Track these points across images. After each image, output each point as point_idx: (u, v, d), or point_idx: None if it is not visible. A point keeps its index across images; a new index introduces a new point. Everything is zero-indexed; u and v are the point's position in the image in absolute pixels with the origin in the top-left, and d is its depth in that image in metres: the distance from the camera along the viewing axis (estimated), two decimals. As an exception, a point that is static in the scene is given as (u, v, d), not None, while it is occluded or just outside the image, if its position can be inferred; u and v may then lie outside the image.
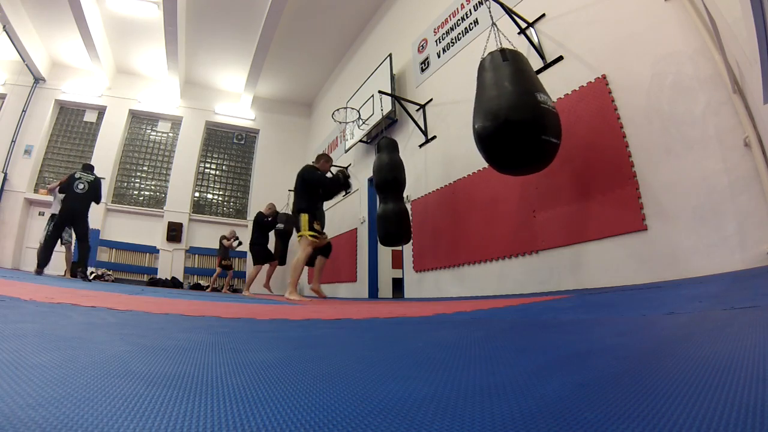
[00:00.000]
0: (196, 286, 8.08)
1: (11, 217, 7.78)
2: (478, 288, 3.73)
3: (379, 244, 4.76)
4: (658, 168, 2.42)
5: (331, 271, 6.69)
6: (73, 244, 5.95)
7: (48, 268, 5.54)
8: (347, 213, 6.87)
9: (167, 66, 8.08)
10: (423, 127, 4.89)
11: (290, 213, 6.95)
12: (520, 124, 2.34)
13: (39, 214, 7.99)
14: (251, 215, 8.97)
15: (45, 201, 7.70)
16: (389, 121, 5.62)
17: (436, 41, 4.94)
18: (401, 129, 5.47)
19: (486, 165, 3.68)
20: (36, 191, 8.14)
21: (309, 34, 7.70)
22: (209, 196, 9.48)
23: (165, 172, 9.14)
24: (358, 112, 5.88)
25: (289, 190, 8.06)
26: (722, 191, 2.12)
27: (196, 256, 8.73)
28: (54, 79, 8.63)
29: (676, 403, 0.35)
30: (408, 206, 4.82)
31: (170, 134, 9.44)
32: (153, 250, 8.44)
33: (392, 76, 5.48)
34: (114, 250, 8.20)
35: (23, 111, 8.19)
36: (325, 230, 4.53)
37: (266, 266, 6.71)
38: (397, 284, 5.98)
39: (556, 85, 3.05)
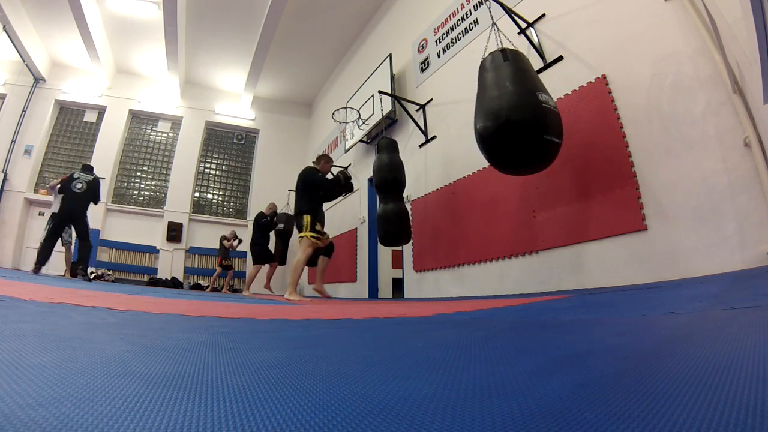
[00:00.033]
0: (196, 286, 8.08)
1: (11, 217, 7.78)
2: (478, 288, 3.73)
3: (379, 244, 4.76)
4: (658, 168, 2.42)
5: (331, 271, 6.68)
6: (73, 244, 5.95)
7: (48, 268, 5.55)
8: (347, 213, 6.87)
9: (167, 66, 8.08)
10: (423, 127, 4.89)
11: (290, 213, 6.99)
12: (521, 124, 2.34)
13: (39, 214, 7.99)
14: (251, 215, 8.98)
15: (45, 201, 7.71)
16: (389, 121, 5.62)
17: (436, 41, 4.94)
18: (401, 129, 5.47)
19: (486, 165, 3.69)
20: (36, 191, 8.14)
21: (309, 34, 7.70)
22: (209, 196, 9.48)
23: (165, 172, 9.14)
24: (358, 112, 5.88)
25: (290, 190, 8.07)
26: (722, 191, 2.12)
27: (196, 256, 8.73)
28: (54, 79, 8.63)
29: (676, 403, 0.35)
30: (408, 206, 4.82)
31: (170, 134, 9.44)
32: (153, 250, 8.44)
33: (392, 76, 5.48)
34: (114, 250, 8.20)
35: (23, 111, 8.19)
36: (325, 230, 4.52)
37: (266, 267, 6.70)
38: (397, 284, 5.98)
39: (556, 85, 3.05)
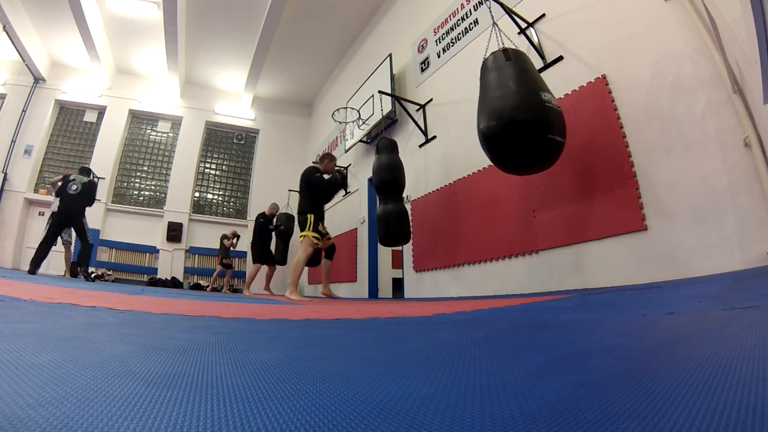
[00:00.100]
0: (196, 286, 8.08)
1: (11, 217, 7.78)
2: (478, 288, 3.73)
3: (379, 244, 4.76)
4: (658, 168, 2.42)
5: (331, 271, 6.68)
6: (73, 244, 5.96)
7: (48, 268, 5.54)
8: (347, 213, 6.87)
9: (167, 66, 8.08)
10: (423, 127, 4.89)
11: (290, 213, 6.99)
12: (525, 123, 2.33)
13: (39, 214, 7.99)
14: (251, 215, 8.98)
15: (45, 201, 7.71)
16: (389, 121, 5.62)
17: (436, 41, 4.94)
18: (401, 129, 5.47)
19: (486, 165, 3.69)
20: (36, 191, 8.15)
21: (309, 34, 7.70)
22: (209, 196, 9.49)
23: (165, 172, 9.15)
24: (358, 112, 5.88)
25: (290, 191, 8.06)
26: (722, 191, 2.12)
27: (196, 256, 8.73)
28: (54, 79, 8.63)
29: (676, 404, 0.35)
30: (408, 206, 4.82)
31: (170, 134, 9.44)
32: (153, 250, 8.44)
33: (392, 76, 5.48)
34: (114, 250, 8.21)
35: (23, 111, 8.19)
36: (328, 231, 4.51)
37: (265, 268, 6.70)
38: (397, 284, 5.98)
39: (556, 85, 3.04)
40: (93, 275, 6.09)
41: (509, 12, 3.26)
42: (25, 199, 7.96)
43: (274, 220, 6.77)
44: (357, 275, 6.18)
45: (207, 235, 8.78)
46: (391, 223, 4.22)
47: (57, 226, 5.22)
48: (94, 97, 8.82)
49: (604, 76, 2.80)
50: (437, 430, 0.33)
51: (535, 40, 3.39)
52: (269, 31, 7.01)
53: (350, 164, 6.92)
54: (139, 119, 9.30)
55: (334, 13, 7.16)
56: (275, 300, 4.15)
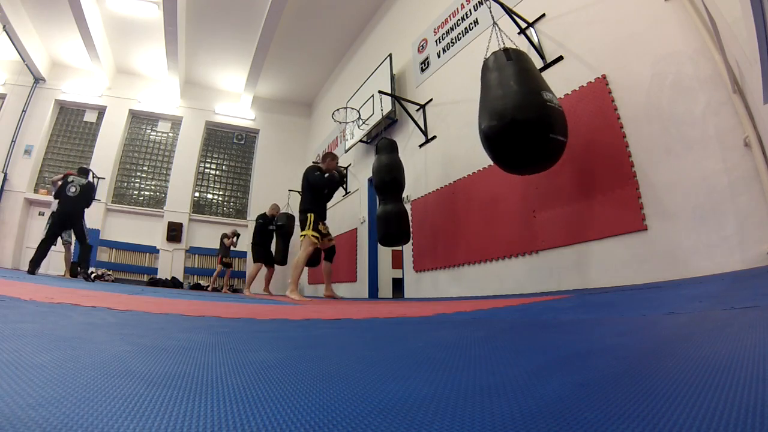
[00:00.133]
0: (196, 286, 8.08)
1: (11, 217, 7.78)
2: (478, 288, 3.73)
3: (378, 244, 4.76)
4: (658, 168, 2.42)
5: (332, 273, 6.68)
6: (73, 244, 5.96)
7: (48, 268, 5.54)
8: (347, 213, 6.87)
9: (167, 66, 8.08)
10: (423, 127, 4.89)
11: (290, 213, 7.00)
12: (527, 123, 2.33)
13: (39, 214, 7.99)
14: (251, 215, 8.99)
15: (45, 201, 7.71)
16: (389, 121, 5.62)
17: (436, 41, 4.94)
18: (401, 129, 5.47)
19: (486, 165, 3.70)
20: (36, 191, 8.15)
21: (309, 34, 7.70)
22: (209, 196, 9.49)
23: (165, 172, 9.15)
24: (358, 112, 5.88)
25: (290, 190, 8.07)
26: (722, 191, 2.12)
27: (196, 256, 8.73)
28: (54, 79, 8.63)
29: (676, 404, 0.35)
30: (408, 206, 4.82)
31: (170, 134, 9.44)
32: (153, 250, 8.44)
33: (392, 76, 5.48)
34: (114, 250, 8.21)
35: (23, 111, 8.19)
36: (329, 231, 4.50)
37: (264, 270, 6.70)
38: (397, 284, 5.98)
39: (556, 85, 3.04)
40: (93, 275, 6.10)
41: (509, 12, 3.26)
42: (25, 199, 7.96)
43: (275, 221, 6.77)
44: (357, 275, 6.18)
45: (207, 235, 8.79)
46: (390, 224, 4.22)
47: (57, 227, 5.23)
48: (94, 97, 8.82)
49: (604, 76, 2.80)
50: (437, 430, 0.32)
51: (535, 40, 3.39)
52: (269, 31, 7.01)
53: (350, 164, 6.92)
54: (139, 119, 9.30)
55: (334, 13, 7.16)
56: (275, 300, 4.15)
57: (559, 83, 3.08)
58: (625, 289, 2.23)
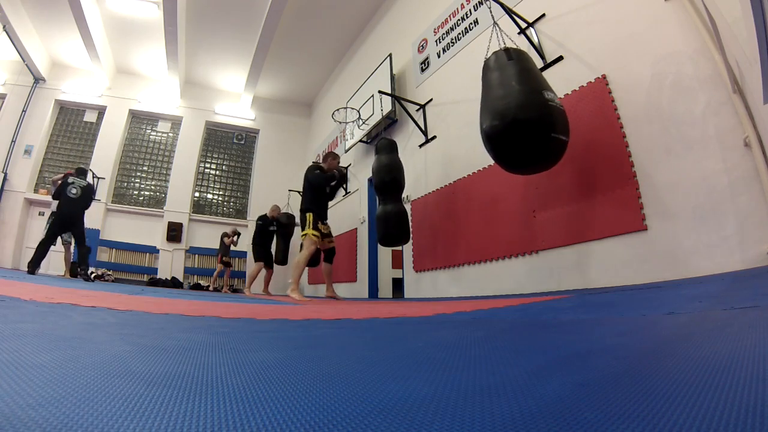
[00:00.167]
0: (196, 286, 8.08)
1: (11, 217, 7.79)
2: (478, 288, 3.73)
3: (378, 244, 4.76)
4: (658, 168, 2.42)
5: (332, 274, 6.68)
6: (72, 244, 5.96)
7: (48, 268, 5.54)
8: (347, 213, 6.87)
9: (167, 66, 8.08)
10: (423, 127, 4.89)
11: (290, 213, 7.00)
12: (528, 122, 2.33)
13: (39, 214, 7.99)
14: (251, 215, 8.99)
15: (45, 201, 7.71)
16: (389, 121, 5.62)
17: (436, 41, 4.94)
18: (401, 129, 5.47)
19: (486, 165, 3.70)
20: (36, 191, 8.15)
21: (309, 34, 7.70)
22: (209, 196, 9.49)
23: (165, 172, 9.15)
24: (358, 112, 5.88)
25: (290, 190, 8.07)
26: (722, 191, 2.12)
27: (196, 256, 8.73)
28: (54, 79, 8.63)
29: (676, 404, 0.35)
30: (408, 206, 4.82)
31: (170, 134, 9.44)
32: (153, 250, 8.44)
33: (392, 76, 5.48)
34: (114, 250, 8.20)
35: (23, 111, 8.19)
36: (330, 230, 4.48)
37: (264, 271, 6.70)
38: (397, 284, 5.98)
39: (556, 85, 3.03)
40: (93, 275, 6.10)
41: (509, 12, 3.26)
42: (25, 199, 7.96)
43: (275, 221, 6.77)
44: (357, 275, 6.18)
45: (207, 235, 8.79)
46: (390, 224, 4.22)
47: (57, 228, 5.23)
48: (94, 97, 8.82)
49: (604, 76, 2.80)
50: (437, 430, 0.32)
51: (535, 40, 3.39)
52: (269, 31, 7.01)
53: (350, 164, 6.92)
54: (139, 119, 9.30)
55: (334, 13, 7.16)
56: (275, 300, 4.16)
57: (559, 83, 3.08)
58: (625, 289, 2.23)
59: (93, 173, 8.11)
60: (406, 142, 5.19)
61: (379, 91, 5.34)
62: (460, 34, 4.49)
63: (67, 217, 5.20)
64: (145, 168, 9.08)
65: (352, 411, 0.38)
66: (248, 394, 0.44)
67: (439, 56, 4.84)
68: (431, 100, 4.87)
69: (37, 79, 8.40)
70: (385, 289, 6.18)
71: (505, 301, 2.36)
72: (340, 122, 6.23)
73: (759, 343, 0.61)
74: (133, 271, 8.19)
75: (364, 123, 5.88)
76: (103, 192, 8.22)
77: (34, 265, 5.02)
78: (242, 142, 9.99)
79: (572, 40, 3.12)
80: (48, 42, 8.13)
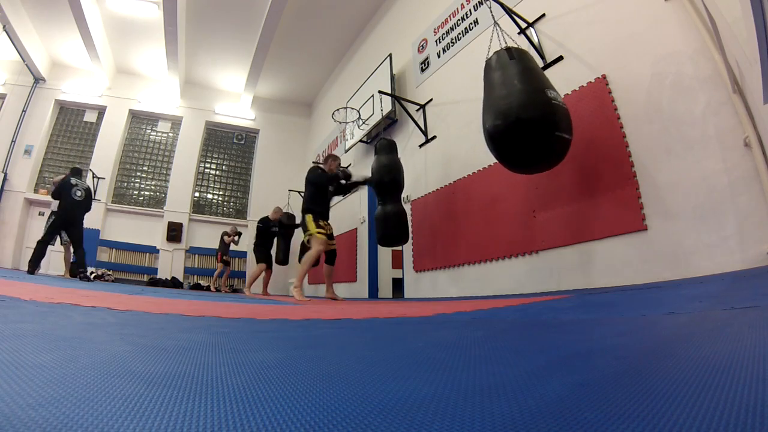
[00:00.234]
0: (196, 286, 8.08)
1: (11, 217, 7.78)
2: (478, 288, 3.73)
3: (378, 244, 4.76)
4: (658, 168, 2.42)
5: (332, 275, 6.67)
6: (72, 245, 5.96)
7: (48, 268, 5.54)
8: (347, 213, 6.87)
9: (167, 66, 8.08)
10: (423, 127, 4.89)
11: (290, 213, 7.00)
12: (531, 122, 2.33)
13: (39, 214, 7.99)
14: (251, 215, 8.99)
15: (45, 201, 7.70)
16: (389, 121, 5.62)
17: (436, 41, 4.94)
18: (401, 129, 5.47)
19: (486, 165, 3.70)
20: (36, 191, 8.15)
21: (309, 34, 7.70)
22: (209, 196, 9.48)
23: (165, 172, 9.15)
24: (358, 112, 5.88)
25: (290, 191, 8.07)
26: (722, 191, 2.12)
27: (196, 256, 8.73)
28: (54, 79, 8.63)
29: (676, 404, 0.35)
30: (408, 206, 4.82)
31: (170, 134, 9.44)
32: (153, 250, 8.44)
33: (392, 76, 5.48)
34: (114, 250, 8.20)
35: (23, 111, 8.19)
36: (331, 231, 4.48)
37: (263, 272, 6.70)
38: (397, 284, 5.98)
39: (556, 85, 3.02)
40: (93, 275, 6.10)
41: (509, 12, 3.26)
42: (25, 199, 7.96)
43: (272, 225, 6.76)
44: (357, 275, 6.18)
45: (207, 235, 8.78)
46: (389, 225, 4.22)
47: (59, 227, 5.23)
48: (94, 97, 8.82)
49: (604, 76, 2.80)
50: (437, 430, 0.32)
51: (535, 40, 3.39)
52: (269, 31, 7.01)
53: (350, 164, 6.92)
54: (139, 119, 9.30)
55: (334, 13, 7.16)
56: (275, 300, 4.16)
57: (559, 83, 3.08)
58: (626, 289, 2.23)
59: (93, 173, 8.12)
60: (406, 142, 5.19)
61: (379, 91, 5.34)
62: (460, 34, 4.49)
63: (71, 218, 5.21)
64: (145, 168, 9.08)
65: (352, 411, 0.38)
66: (248, 394, 0.44)
67: (439, 56, 4.84)
68: (431, 100, 4.87)
69: (37, 79, 8.40)
70: (385, 289, 6.18)
71: (505, 301, 2.36)
72: (340, 122, 6.23)
73: (759, 343, 0.61)
74: (133, 271, 8.19)
75: (364, 123, 5.88)
76: (103, 192, 8.22)
77: (33, 264, 5.02)
78: (242, 142, 9.98)
79: (572, 40, 3.12)
80: (48, 42, 8.13)
